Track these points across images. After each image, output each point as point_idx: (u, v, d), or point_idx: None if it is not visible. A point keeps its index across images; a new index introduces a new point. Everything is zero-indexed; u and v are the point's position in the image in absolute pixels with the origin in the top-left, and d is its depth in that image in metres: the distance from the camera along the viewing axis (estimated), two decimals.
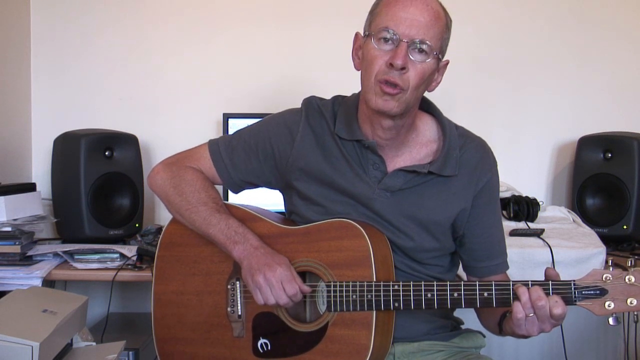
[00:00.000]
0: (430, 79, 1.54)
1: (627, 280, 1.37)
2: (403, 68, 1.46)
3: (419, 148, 1.62)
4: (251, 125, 1.74)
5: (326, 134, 1.64)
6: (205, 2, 2.78)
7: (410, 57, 1.47)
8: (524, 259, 2.14)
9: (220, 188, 1.77)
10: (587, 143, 2.56)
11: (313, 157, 1.63)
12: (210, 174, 1.72)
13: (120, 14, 2.77)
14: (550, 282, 1.42)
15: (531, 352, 2.78)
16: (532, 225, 2.34)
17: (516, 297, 1.42)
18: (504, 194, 2.45)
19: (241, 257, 1.57)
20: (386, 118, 1.53)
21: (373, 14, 1.54)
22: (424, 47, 1.47)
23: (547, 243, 2.18)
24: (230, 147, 1.70)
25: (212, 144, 1.73)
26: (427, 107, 1.67)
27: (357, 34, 1.59)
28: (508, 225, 2.33)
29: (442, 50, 1.53)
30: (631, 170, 2.43)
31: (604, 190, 2.50)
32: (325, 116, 1.65)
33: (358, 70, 1.58)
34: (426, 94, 1.66)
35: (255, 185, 1.75)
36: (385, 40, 1.48)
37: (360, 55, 1.57)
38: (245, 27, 2.77)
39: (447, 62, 1.58)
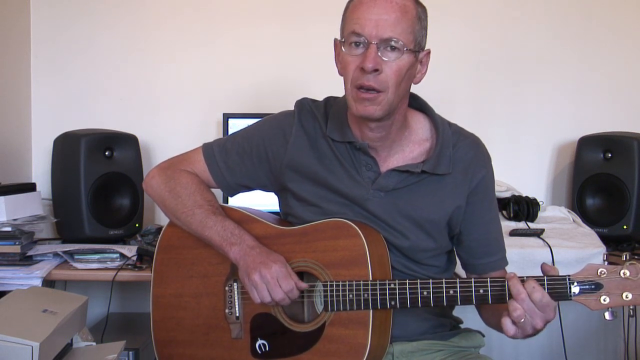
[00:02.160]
0: (411, 73, 1.52)
1: (622, 274, 1.37)
2: (376, 70, 1.45)
3: (412, 147, 1.62)
4: (245, 128, 1.74)
5: (319, 136, 1.64)
6: (205, 2, 2.78)
7: (383, 57, 1.46)
8: (524, 259, 2.14)
9: (219, 191, 1.77)
10: (587, 143, 2.56)
11: (306, 159, 1.63)
12: (205, 178, 1.72)
13: (120, 14, 2.78)
14: (545, 277, 1.41)
15: (531, 352, 2.78)
16: (532, 225, 2.34)
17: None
18: (504, 194, 2.45)
19: (237, 258, 1.58)
20: (371, 121, 1.53)
21: (343, 19, 1.53)
22: (394, 44, 1.46)
23: (547, 243, 2.18)
24: (225, 150, 1.70)
25: (207, 148, 1.73)
26: (420, 106, 1.66)
27: (335, 41, 1.58)
28: (508, 225, 2.33)
29: (417, 43, 1.50)
30: (631, 170, 2.43)
31: (604, 190, 2.50)
32: (318, 118, 1.65)
33: (341, 76, 1.57)
34: (426, 95, 1.66)
35: (250, 188, 1.75)
36: (356, 44, 1.47)
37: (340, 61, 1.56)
38: (245, 27, 2.77)
39: (429, 52, 1.56)
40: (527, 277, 1.42)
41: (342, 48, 1.50)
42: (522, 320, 1.39)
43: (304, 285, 1.55)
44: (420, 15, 1.51)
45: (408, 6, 1.48)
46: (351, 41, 1.48)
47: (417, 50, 1.51)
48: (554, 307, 1.40)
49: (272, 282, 1.52)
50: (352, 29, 1.47)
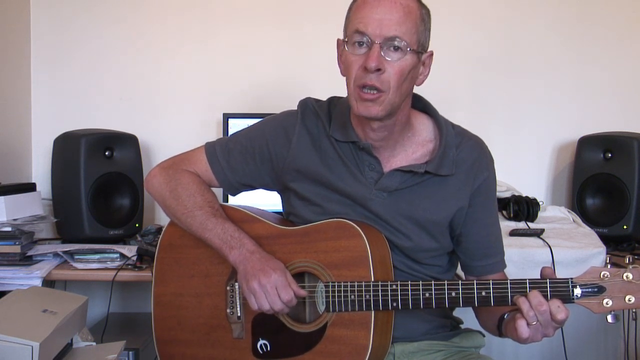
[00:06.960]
0: (414, 74, 1.52)
1: (625, 277, 1.37)
2: (379, 69, 1.45)
3: (415, 148, 1.62)
4: (248, 127, 1.74)
5: (322, 136, 1.64)
6: (204, 2, 2.78)
7: (386, 57, 1.45)
8: (524, 259, 2.14)
9: (219, 190, 1.77)
10: (587, 143, 2.56)
11: (309, 159, 1.63)
12: (207, 177, 1.72)
13: (120, 14, 2.78)
14: (547, 280, 1.41)
15: (531, 352, 2.77)
16: (532, 225, 2.34)
17: (520, 316, 1.40)
18: (504, 194, 2.45)
19: (237, 262, 1.57)
20: (373, 121, 1.52)
21: (346, 18, 1.53)
22: (398, 43, 1.45)
23: (547, 243, 2.18)
24: (227, 149, 1.70)
25: (209, 147, 1.73)
26: (423, 107, 1.66)
27: (338, 41, 1.57)
28: (508, 225, 2.33)
29: (420, 44, 1.50)
30: (631, 170, 2.43)
31: (604, 190, 2.50)
32: (321, 117, 1.65)
33: (344, 76, 1.56)
34: (426, 95, 1.66)
35: (253, 188, 1.75)
36: (360, 44, 1.47)
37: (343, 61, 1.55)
38: (245, 27, 2.77)
39: (432, 53, 1.56)
40: (530, 281, 1.42)
41: (346, 47, 1.50)
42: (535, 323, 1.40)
43: (303, 293, 1.55)
44: (424, 17, 1.51)
45: (412, 7, 1.48)
46: (354, 40, 1.47)
47: (420, 52, 1.51)
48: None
49: (271, 292, 1.52)
50: (356, 28, 1.47)
